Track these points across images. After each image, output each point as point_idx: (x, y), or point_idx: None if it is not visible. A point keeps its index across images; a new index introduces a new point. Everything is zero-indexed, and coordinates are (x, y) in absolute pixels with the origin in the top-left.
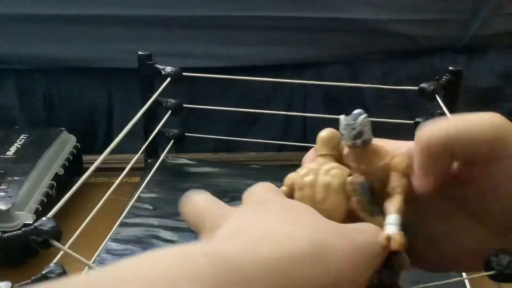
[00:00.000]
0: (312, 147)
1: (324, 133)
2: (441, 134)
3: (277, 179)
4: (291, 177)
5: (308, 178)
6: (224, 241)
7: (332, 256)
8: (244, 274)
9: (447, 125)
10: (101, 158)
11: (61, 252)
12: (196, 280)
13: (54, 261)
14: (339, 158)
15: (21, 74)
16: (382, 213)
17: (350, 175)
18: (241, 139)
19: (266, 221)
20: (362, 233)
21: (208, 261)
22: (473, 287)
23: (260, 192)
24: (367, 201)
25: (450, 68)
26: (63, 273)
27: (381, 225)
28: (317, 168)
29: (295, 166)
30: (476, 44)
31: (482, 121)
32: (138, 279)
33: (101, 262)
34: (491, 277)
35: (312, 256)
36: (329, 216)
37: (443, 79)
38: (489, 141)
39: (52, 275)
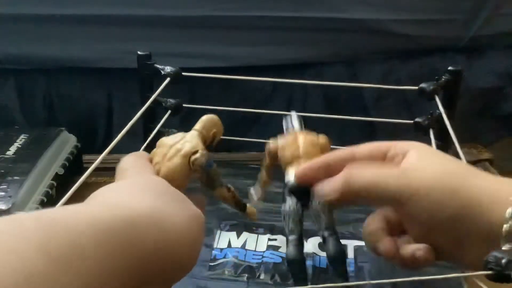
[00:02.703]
0: None
1: (208, 116)
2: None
3: (277, 179)
4: (163, 138)
5: (170, 141)
6: (57, 209)
7: (169, 219)
8: (74, 232)
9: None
10: (100, 158)
11: None
12: (25, 239)
13: None
14: (205, 139)
15: (21, 74)
16: (222, 185)
17: (195, 152)
18: (241, 139)
19: (117, 193)
20: (198, 204)
21: (37, 224)
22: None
23: (127, 166)
24: (206, 178)
25: (449, 68)
26: None
27: (220, 195)
28: (182, 136)
29: None
30: (476, 44)
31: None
32: None
33: None
34: (490, 277)
35: (149, 218)
36: (172, 173)
37: (443, 79)
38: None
39: None
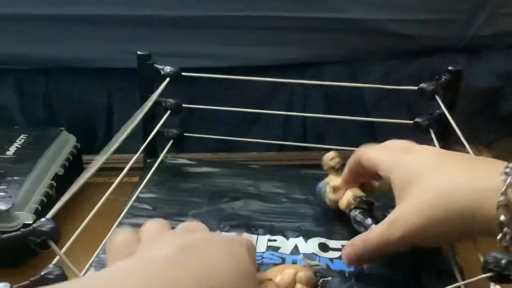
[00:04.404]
0: (312, 147)
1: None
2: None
3: (277, 179)
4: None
5: None
6: None
7: None
8: None
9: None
10: (99, 160)
11: (62, 250)
12: None
13: (53, 262)
14: None
15: (21, 74)
16: None
17: None
18: (241, 139)
19: None
20: None
21: None
22: None
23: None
24: None
25: (449, 68)
26: (62, 274)
27: None
28: None
29: (295, 166)
30: (476, 44)
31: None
32: None
33: (100, 262)
34: (490, 278)
35: None
36: None
37: (443, 79)
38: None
39: (50, 276)
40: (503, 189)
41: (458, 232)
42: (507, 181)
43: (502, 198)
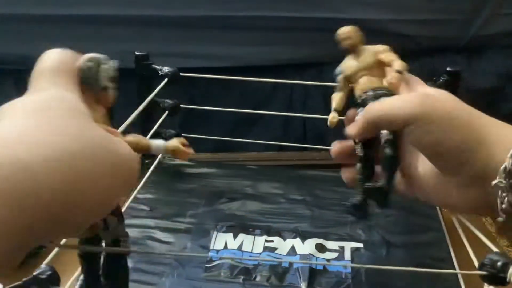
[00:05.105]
0: (312, 147)
1: None
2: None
3: (275, 180)
4: None
5: None
6: None
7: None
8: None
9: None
10: None
11: (52, 253)
12: None
13: (45, 262)
14: None
15: (21, 74)
16: None
17: None
18: (240, 140)
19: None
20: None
21: None
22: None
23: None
24: None
25: (448, 69)
26: (54, 273)
27: None
28: None
29: (295, 166)
30: (476, 44)
31: (398, 106)
32: None
33: None
34: (485, 278)
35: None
36: None
37: (441, 80)
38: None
39: (43, 276)
40: None
41: (447, 155)
42: None
43: None
